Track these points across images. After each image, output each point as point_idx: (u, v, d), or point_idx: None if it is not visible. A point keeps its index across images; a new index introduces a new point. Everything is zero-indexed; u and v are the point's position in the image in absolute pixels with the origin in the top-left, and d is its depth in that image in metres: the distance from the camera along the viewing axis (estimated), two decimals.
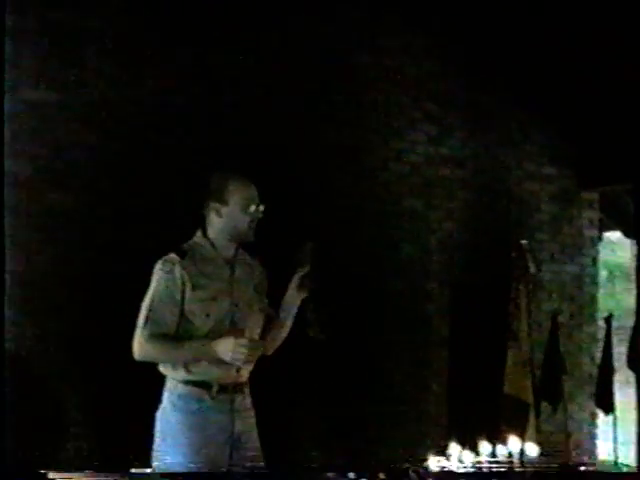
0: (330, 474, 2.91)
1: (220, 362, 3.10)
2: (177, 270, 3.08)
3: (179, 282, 3.07)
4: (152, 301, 3.09)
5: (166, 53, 4.58)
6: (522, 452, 2.78)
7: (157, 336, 3.05)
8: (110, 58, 4.47)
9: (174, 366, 3.12)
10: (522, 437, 3.31)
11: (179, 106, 4.56)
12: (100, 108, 4.43)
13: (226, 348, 2.98)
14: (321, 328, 3.19)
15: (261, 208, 3.19)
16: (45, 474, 2.69)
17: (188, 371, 3.10)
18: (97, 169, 4.38)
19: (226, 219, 3.17)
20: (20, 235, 4.15)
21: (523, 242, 5.57)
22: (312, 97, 5.03)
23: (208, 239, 3.20)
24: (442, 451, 2.94)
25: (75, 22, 4.38)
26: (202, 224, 3.22)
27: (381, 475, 2.71)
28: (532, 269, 5.59)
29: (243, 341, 3.00)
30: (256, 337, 3.20)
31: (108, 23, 4.46)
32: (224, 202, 3.16)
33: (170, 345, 3.07)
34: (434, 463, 2.83)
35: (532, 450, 2.84)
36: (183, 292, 3.08)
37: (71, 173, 4.32)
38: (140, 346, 3.06)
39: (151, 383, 3.17)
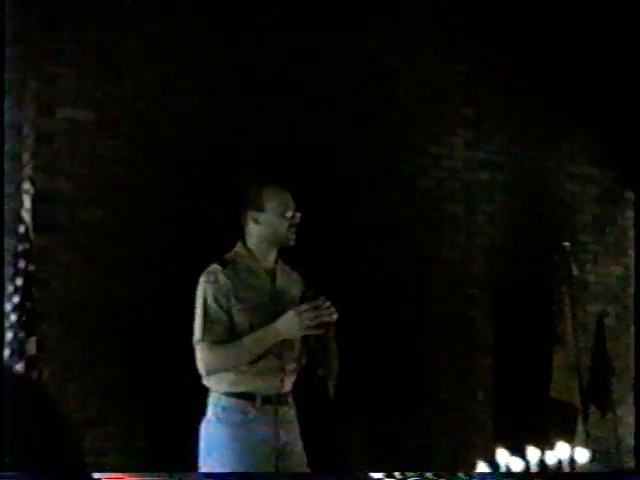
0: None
1: (263, 373, 3.10)
2: (221, 279, 3.10)
3: (224, 291, 3.09)
4: (203, 312, 3.10)
5: (201, 68, 4.60)
6: (572, 458, 2.73)
7: (217, 343, 3.05)
8: (146, 75, 4.49)
9: (217, 378, 3.12)
10: (571, 443, 3.26)
11: (216, 120, 4.57)
12: (137, 125, 4.46)
13: (289, 322, 2.97)
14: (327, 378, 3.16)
15: (298, 215, 3.21)
16: (90, 474, 2.72)
17: (232, 381, 3.10)
18: (135, 185, 4.41)
19: (264, 226, 3.19)
20: (59, 252, 4.20)
21: (565, 244, 5.51)
22: (349, 104, 5.02)
23: (248, 249, 3.22)
24: (490, 458, 2.91)
25: (111, 41, 4.41)
26: (242, 235, 3.24)
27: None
28: (575, 271, 5.52)
29: (303, 307, 2.98)
30: (297, 348, 3.19)
31: (144, 41, 4.49)
32: (261, 209, 3.18)
33: (231, 346, 3.05)
34: (483, 469, 2.80)
35: (582, 456, 2.80)
36: (229, 301, 3.09)
37: (109, 190, 4.35)
38: (204, 359, 3.06)
39: (196, 395, 3.18)
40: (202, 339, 3.06)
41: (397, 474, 2.99)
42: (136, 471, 4.05)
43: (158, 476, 3.42)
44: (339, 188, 4.84)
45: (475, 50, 5.53)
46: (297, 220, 3.20)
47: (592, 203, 6.11)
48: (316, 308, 2.96)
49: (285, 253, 3.30)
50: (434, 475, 2.95)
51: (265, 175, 3.42)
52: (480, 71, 5.60)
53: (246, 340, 3.04)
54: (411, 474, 3.02)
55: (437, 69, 5.49)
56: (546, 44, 5.51)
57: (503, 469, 2.75)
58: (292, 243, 3.22)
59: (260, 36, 4.73)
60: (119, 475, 3.65)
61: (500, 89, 5.67)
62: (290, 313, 2.97)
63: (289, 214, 3.18)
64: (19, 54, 4.16)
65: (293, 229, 3.19)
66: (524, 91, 5.71)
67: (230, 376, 3.10)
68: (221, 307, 3.08)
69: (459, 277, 5.50)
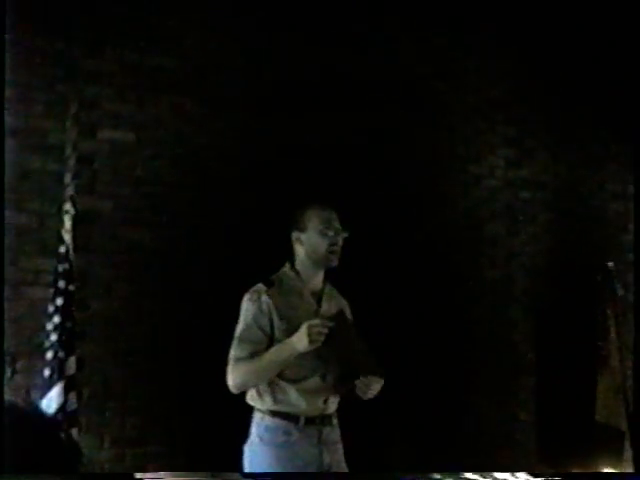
0: None
1: (307, 393, 3.07)
2: (264, 299, 3.09)
3: (265, 310, 3.08)
4: (240, 330, 3.09)
5: (243, 87, 4.62)
6: None
7: (244, 358, 3.04)
8: (185, 95, 4.52)
9: (261, 396, 3.09)
10: (617, 468, 3.18)
11: (258, 139, 4.58)
12: (177, 145, 4.48)
13: (301, 335, 2.92)
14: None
15: (344, 234, 3.17)
16: (131, 474, 2.71)
17: (275, 400, 3.07)
18: (176, 205, 4.42)
19: (306, 246, 3.17)
20: (98, 272, 4.22)
21: (609, 264, 5.41)
22: (389, 124, 4.99)
23: (295, 270, 3.20)
24: None
25: (151, 62, 4.45)
26: (290, 256, 3.22)
27: None
28: (620, 292, 5.42)
29: (314, 321, 2.92)
30: (342, 369, 3.15)
31: (183, 62, 4.52)
32: (303, 229, 3.17)
33: (254, 360, 3.03)
34: None
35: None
36: (271, 321, 3.07)
37: (149, 210, 4.37)
38: (230, 375, 3.05)
39: (240, 416, 3.15)
40: (231, 356, 3.06)
41: None
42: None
43: (199, 475, 3.41)
44: (379, 208, 4.81)
45: (516, 68, 5.49)
46: (339, 239, 3.16)
47: (636, 222, 6.01)
48: (325, 320, 2.94)
49: (331, 274, 3.28)
50: None
51: (310, 195, 3.40)
52: (521, 89, 5.55)
53: (266, 355, 3.01)
54: None
55: (478, 87, 5.46)
56: (590, 61, 5.45)
57: None
58: (334, 264, 3.18)
59: (301, 52, 4.74)
60: (161, 475, 3.64)
61: (542, 107, 5.61)
62: (303, 326, 2.93)
63: (330, 233, 3.15)
64: (60, 76, 4.20)
65: (334, 248, 3.15)
66: (566, 109, 5.65)
67: (273, 395, 3.07)
68: (260, 327, 3.06)
69: (501, 298, 5.43)
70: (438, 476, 2.90)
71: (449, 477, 2.90)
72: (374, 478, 3.63)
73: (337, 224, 3.17)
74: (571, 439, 5.00)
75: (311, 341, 2.89)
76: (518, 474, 2.63)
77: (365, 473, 3.48)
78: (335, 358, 3.07)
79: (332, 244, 3.14)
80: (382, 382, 3.04)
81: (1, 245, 3.89)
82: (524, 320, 5.49)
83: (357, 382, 3.04)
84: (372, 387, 3.04)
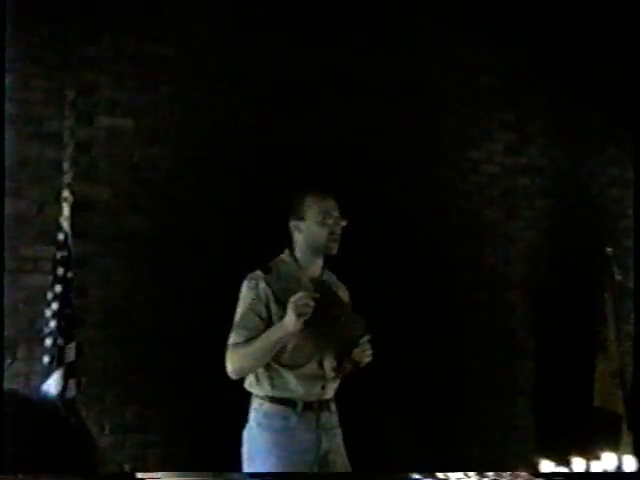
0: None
1: (305, 379, 3.09)
2: (261, 286, 3.10)
3: (263, 297, 3.09)
4: (238, 316, 3.11)
5: (241, 75, 4.61)
6: (619, 467, 2.67)
7: (240, 344, 3.05)
8: (184, 83, 4.51)
9: (259, 382, 3.11)
10: (615, 451, 3.20)
11: (256, 127, 4.57)
12: (175, 132, 4.48)
13: (288, 313, 2.91)
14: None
15: (343, 223, 3.17)
16: (133, 474, 2.72)
17: (273, 386, 3.09)
18: (174, 193, 4.42)
19: (305, 235, 3.18)
20: (98, 260, 4.23)
21: (608, 249, 5.42)
22: (387, 110, 4.99)
23: (293, 257, 3.21)
24: (532, 467, 2.86)
25: (150, 49, 4.44)
26: (289, 243, 3.23)
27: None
28: (618, 277, 5.43)
29: (298, 295, 2.91)
30: (340, 355, 3.17)
31: (182, 50, 4.51)
32: (302, 218, 3.18)
33: (249, 343, 3.04)
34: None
35: (630, 464, 2.73)
36: (268, 307, 3.08)
37: (148, 197, 4.37)
38: (228, 360, 3.07)
39: (238, 402, 3.17)
40: (229, 342, 3.08)
41: None
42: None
43: (202, 476, 3.42)
44: (378, 195, 4.81)
45: (513, 53, 5.47)
46: (338, 228, 3.16)
47: (635, 207, 6.00)
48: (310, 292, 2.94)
49: (330, 261, 3.29)
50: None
51: (308, 182, 3.40)
52: (520, 74, 5.53)
53: (260, 339, 3.03)
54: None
55: (475, 73, 5.44)
56: (588, 45, 5.43)
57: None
58: (334, 252, 3.19)
59: (301, 40, 4.73)
60: (162, 475, 3.66)
61: (540, 92, 5.60)
62: (289, 303, 2.93)
63: (329, 221, 3.15)
64: (57, 63, 4.19)
65: (334, 237, 3.15)
66: (565, 94, 5.63)
67: (271, 381, 3.09)
68: (257, 313, 3.08)
69: (499, 283, 5.44)
70: (442, 476, 2.92)
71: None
72: (378, 478, 3.65)
73: (336, 212, 3.18)
74: (569, 423, 5.02)
75: (298, 315, 2.88)
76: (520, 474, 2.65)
77: (368, 473, 3.50)
78: (329, 335, 3.08)
79: (331, 233, 3.15)
80: (369, 337, 3.04)
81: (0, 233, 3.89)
82: (522, 305, 5.49)
83: (354, 351, 3.05)
84: (367, 350, 3.04)
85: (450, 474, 2.93)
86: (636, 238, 5.73)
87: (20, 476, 0.93)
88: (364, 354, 3.05)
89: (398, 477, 3.45)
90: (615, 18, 5.17)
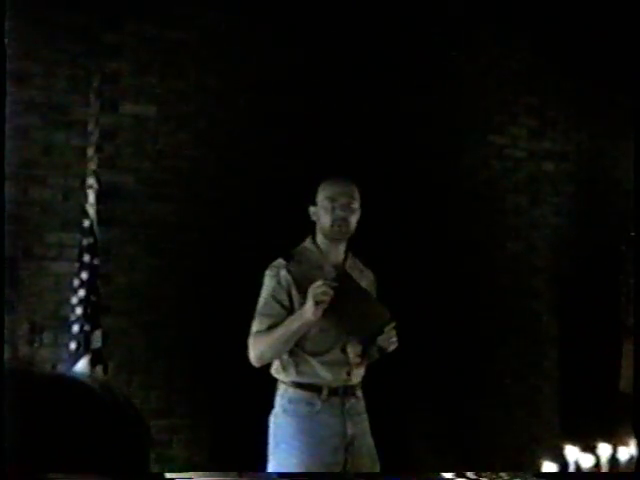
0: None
1: (330, 365, 3.09)
2: (282, 274, 3.10)
3: (284, 284, 3.09)
4: (260, 304, 3.11)
5: (263, 61, 4.60)
6: None
7: (262, 332, 3.06)
8: (208, 69, 4.51)
9: (284, 368, 3.12)
10: None
11: (281, 114, 4.57)
12: (199, 119, 4.48)
13: (307, 302, 2.92)
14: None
15: (354, 207, 3.15)
16: (161, 474, 2.72)
17: (298, 372, 3.10)
18: (198, 180, 4.43)
19: (317, 220, 3.18)
20: (123, 247, 4.25)
21: (632, 234, 5.37)
22: (410, 95, 4.96)
23: (315, 244, 3.21)
24: (558, 454, 2.85)
25: (172, 36, 4.44)
26: (313, 230, 3.23)
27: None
28: None
29: (317, 283, 2.92)
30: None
31: (205, 35, 4.51)
32: (316, 203, 3.17)
33: (271, 331, 3.05)
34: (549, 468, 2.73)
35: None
36: (290, 295, 3.09)
37: (173, 185, 4.38)
38: (251, 347, 3.08)
39: (264, 388, 3.18)
40: (252, 330, 3.09)
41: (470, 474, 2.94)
42: (202, 464, 4.10)
43: (228, 476, 3.43)
44: (401, 180, 4.80)
45: (537, 38, 5.42)
46: (346, 214, 3.14)
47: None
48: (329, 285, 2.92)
49: (356, 252, 3.29)
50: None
51: (330, 168, 3.39)
52: (544, 58, 5.48)
53: (280, 327, 3.03)
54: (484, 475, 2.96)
55: (499, 57, 5.40)
56: (613, 26, 5.37)
57: (572, 466, 2.68)
58: (338, 237, 3.17)
59: (321, 32, 4.71)
60: (190, 475, 3.68)
61: (565, 76, 5.55)
62: (308, 292, 2.93)
63: (334, 205, 3.13)
64: (81, 51, 4.21)
65: (339, 222, 3.13)
66: (590, 77, 5.57)
67: (297, 367, 3.10)
68: (279, 301, 3.08)
69: (524, 269, 5.41)
70: (473, 476, 2.91)
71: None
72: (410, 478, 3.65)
73: (343, 198, 3.14)
74: (595, 409, 5.00)
75: (317, 303, 2.88)
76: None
77: (389, 473, 3.49)
78: (352, 322, 3.08)
79: (334, 219, 3.13)
80: (394, 324, 3.04)
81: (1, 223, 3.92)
82: (547, 291, 5.47)
83: (379, 338, 3.05)
84: (392, 336, 3.04)
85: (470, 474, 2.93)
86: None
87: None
88: (389, 341, 3.05)
89: (430, 477, 3.44)
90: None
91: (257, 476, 3.34)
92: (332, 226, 3.13)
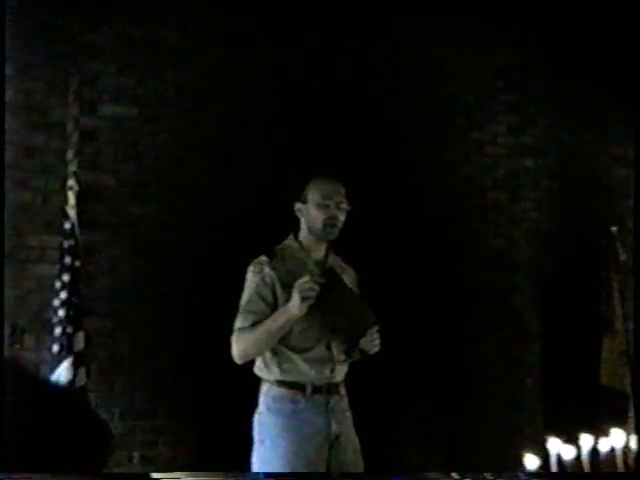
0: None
1: (313, 362, 3.10)
2: (266, 270, 3.12)
3: (268, 281, 3.11)
4: (243, 301, 3.12)
5: (245, 62, 4.60)
6: (627, 445, 2.69)
7: (246, 328, 3.07)
8: (188, 70, 4.51)
9: (267, 366, 3.13)
10: (623, 429, 3.20)
11: (262, 113, 4.57)
12: (180, 120, 4.48)
13: (293, 297, 2.94)
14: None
15: (344, 207, 3.17)
16: (147, 474, 2.72)
17: (281, 370, 3.11)
18: (179, 180, 4.43)
19: (306, 218, 3.19)
20: (106, 248, 4.24)
21: (612, 229, 5.42)
22: (389, 93, 4.98)
23: (298, 241, 3.22)
24: (540, 447, 2.87)
25: (152, 37, 4.44)
26: (295, 227, 3.24)
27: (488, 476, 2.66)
28: (623, 256, 5.43)
29: (303, 279, 2.94)
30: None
31: (185, 36, 4.50)
32: (304, 201, 3.18)
33: (255, 328, 3.06)
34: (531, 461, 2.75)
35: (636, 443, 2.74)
36: (274, 291, 3.10)
37: (153, 185, 4.38)
38: (234, 345, 3.08)
39: (248, 387, 3.19)
40: (235, 326, 3.10)
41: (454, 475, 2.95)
42: (187, 464, 4.09)
43: (214, 475, 3.43)
44: (382, 177, 4.81)
45: (515, 35, 5.45)
46: (338, 213, 3.16)
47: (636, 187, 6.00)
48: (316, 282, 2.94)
49: (337, 250, 3.30)
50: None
51: (315, 167, 3.41)
52: (522, 55, 5.52)
53: (265, 324, 3.04)
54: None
55: (478, 54, 5.43)
56: (591, 24, 5.41)
57: (554, 458, 2.70)
58: (331, 237, 3.19)
59: (303, 30, 4.71)
60: (176, 475, 3.67)
61: (543, 73, 5.58)
62: (293, 288, 2.95)
63: (328, 205, 3.14)
64: (60, 52, 4.20)
65: (332, 222, 3.15)
66: (568, 74, 5.61)
67: (280, 365, 3.11)
68: (262, 298, 3.09)
69: (504, 264, 5.44)
70: (456, 476, 2.92)
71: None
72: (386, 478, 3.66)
73: (337, 197, 3.16)
74: (577, 403, 5.03)
75: (303, 299, 2.90)
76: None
77: (377, 473, 3.51)
78: (336, 319, 3.09)
79: (329, 217, 3.14)
80: (378, 327, 3.07)
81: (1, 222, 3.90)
82: (528, 286, 5.50)
83: (361, 340, 3.07)
84: (375, 339, 3.06)
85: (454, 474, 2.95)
86: (636, 217, 5.73)
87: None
88: (372, 344, 3.07)
89: (416, 477, 3.45)
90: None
91: (243, 476, 3.34)
92: (325, 225, 3.15)
